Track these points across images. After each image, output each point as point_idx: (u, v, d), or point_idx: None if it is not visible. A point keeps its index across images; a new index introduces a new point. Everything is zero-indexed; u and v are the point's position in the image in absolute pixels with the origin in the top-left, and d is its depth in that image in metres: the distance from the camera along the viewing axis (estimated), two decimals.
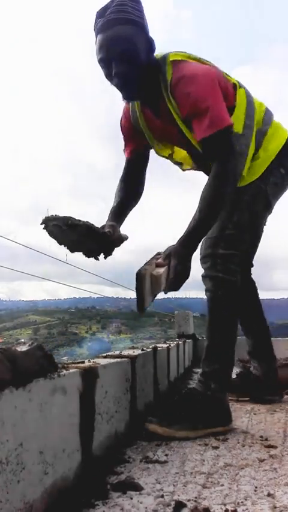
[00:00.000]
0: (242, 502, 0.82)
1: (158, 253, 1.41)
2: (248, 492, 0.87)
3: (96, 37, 1.41)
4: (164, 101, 1.46)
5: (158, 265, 1.36)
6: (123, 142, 1.76)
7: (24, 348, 0.75)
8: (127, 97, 1.49)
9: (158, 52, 1.50)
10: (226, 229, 1.48)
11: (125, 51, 1.38)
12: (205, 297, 1.53)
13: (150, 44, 1.44)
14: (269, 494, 0.85)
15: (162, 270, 1.32)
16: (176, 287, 1.33)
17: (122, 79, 1.41)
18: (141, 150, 1.75)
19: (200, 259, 1.54)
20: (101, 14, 1.40)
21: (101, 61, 1.41)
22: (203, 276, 1.52)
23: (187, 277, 1.34)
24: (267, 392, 1.85)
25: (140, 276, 1.28)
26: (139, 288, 1.28)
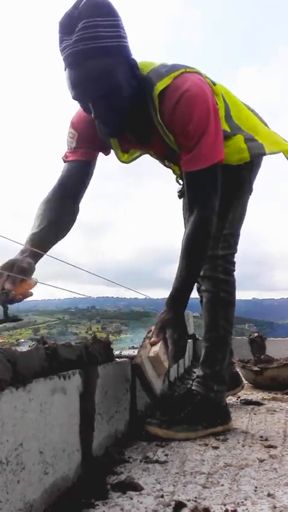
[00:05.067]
0: (242, 502, 0.82)
1: (149, 331, 1.27)
2: (248, 492, 0.87)
3: (64, 65, 1.18)
4: (157, 132, 1.30)
5: (152, 344, 1.22)
6: (71, 145, 1.42)
7: (24, 348, 0.75)
8: (111, 135, 1.33)
9: (143, 60, 1.31)
10: (223, 229, 1.46)
11: (103, 96, 1.18)
12: None
13: (132, 68, 1.24)
14: (269, 494, 0.85)
15: (158, 348, 1.19)
16: (180, 356, 1.25)
17: (103, 121, 1.26)
18: (96, 157, 1.46)
19: None
20: (66, 29, 1.15)
21: (75, 99, 1.23)
22: (201, 277, 1.50)
23: (187, 340, 1.29)
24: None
25: (136, 367, 1.14)
26: (142, 379, 1.15)
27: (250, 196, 1.55)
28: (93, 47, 1.14)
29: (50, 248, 1.37)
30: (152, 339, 1.23)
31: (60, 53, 1.18)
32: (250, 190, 1.53)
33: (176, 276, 1.29)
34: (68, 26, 1.15)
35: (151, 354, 1.17)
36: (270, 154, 1.45)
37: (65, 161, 1.45)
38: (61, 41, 1.17)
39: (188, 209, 1.33)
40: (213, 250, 1.46)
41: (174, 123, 1.25)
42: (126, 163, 1.50)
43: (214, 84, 1.40)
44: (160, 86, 1.24)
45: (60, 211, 1.39)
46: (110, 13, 1.17)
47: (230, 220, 1.48)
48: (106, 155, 1.48)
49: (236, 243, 1.51)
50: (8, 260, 1.22)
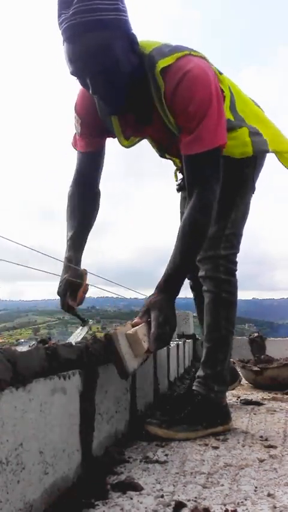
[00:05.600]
0: (242, 502, 0.82)
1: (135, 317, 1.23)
2: (248, 492, 0.87)
3: (62, 39, 1.16)
4: (157, 111, 1.28)
5: (134, 325, 1.14)
6: (77, 130, 1.46)
7: (24, 348, 0.75)
8: (110, 112, 1.32)
9: (146, 39, 1.29)
10: (226, 228, 1.46)
11: (101, 71, 1.16)
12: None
13: (131, 44, 1.21)
14: (269, 494, 0.85)
15: (138, 327, 1.12)
16: (163, 341, 1.16)
17: (101, 97, 1.24)
18: (103, 143, 1.49)
19: (199, 261, 1.50)
20: (64, 2, 1.13)
21: (73, 75, 1.20)
22: (203, 277, 1.50)
23: (174, 327, 1.19)
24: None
25: (108, 337, 1.06)
26: (113, 352, 1.05)
27: (253, 195, 1.54)
28: (90, 19, 1.11)
29: (87, 237, 1.51)
30: (135, 320, 1.17)
31: (59, 27, 1.16)
32: (253, 189, 1.53)
33: (169, 260, 1.23)
34: None
35: (129, 332, 1.09)
36: (273, 152, 1.44)
37: (74, 148, 1.50)
38: (59, 15, 1.15)
39: (188, 194, 1.28)
40: (215, 250, 1.46)
41: (176, 104, 1.23)
42: (127, 147, 1.47)
43: (220, 73, 1.38)
44: (162, 63, 1.21)
45: (85, 205, 1.51)
46: None
47: (232, 220, 1.47)
48: (114, 138, 1.45)
49: (238, 243, 1.50)
50: (66, 281, 1.40)
